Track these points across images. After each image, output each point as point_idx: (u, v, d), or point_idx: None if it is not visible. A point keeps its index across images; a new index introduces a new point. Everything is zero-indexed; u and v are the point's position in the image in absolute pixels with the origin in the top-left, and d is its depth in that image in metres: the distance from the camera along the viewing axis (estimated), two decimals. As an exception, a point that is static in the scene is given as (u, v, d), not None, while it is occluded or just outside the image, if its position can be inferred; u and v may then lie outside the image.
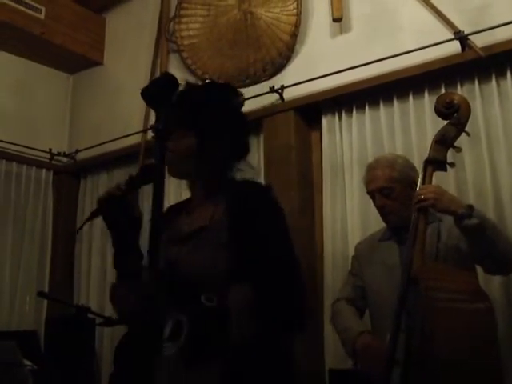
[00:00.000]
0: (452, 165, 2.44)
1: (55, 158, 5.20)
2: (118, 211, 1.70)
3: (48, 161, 5.17)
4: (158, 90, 1.24)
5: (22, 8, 4.74)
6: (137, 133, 4.61)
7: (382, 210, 2.65)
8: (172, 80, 1.27)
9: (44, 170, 5.16)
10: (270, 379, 1.66)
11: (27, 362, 3.48)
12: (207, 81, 1.94)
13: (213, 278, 1.63)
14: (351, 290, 2.82)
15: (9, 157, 4.88)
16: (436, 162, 2.40)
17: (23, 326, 4.72)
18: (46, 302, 4.92)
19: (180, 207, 1.94)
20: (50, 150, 5.15)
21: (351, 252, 3.11)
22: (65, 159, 5.26)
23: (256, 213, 1.72)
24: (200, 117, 1.77)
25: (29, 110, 5.16)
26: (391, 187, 2.62)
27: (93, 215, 1.70)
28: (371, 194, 2.69)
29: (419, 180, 2.43)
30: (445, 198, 2.33)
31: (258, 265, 1.62)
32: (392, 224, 2.66)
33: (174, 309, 1.65)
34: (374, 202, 2.69)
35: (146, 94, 1.24)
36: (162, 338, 1.60)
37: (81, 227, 1.97)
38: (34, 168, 5.07)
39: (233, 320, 1.56)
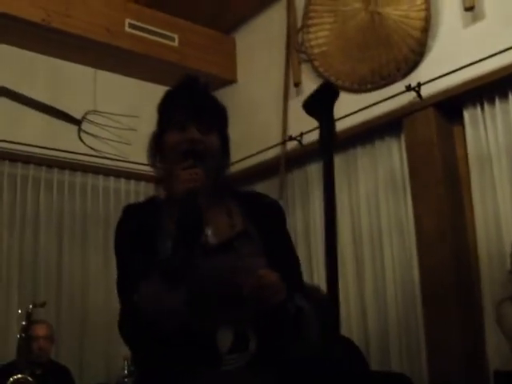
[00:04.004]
0: None
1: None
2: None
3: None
4: (319, 100, 1.23)
5: (157, 38, 5.00)
6: (276, 145, 4.70)
7: None
8: (333, 89, 1.26)
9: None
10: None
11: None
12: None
13: None
14: None
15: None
16: None
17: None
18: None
19: (149, 208, 1.75)
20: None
21: (507, 247, 3.00)
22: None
23: (282, 226, 1.76)
24: (221, 117, 1.75)
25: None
26: None
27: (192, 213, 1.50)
28: None
29: None
30: None
31: (296, 277, 1.68)
32: None
33: (231, 319, 1.54)
34: None
35: (307, 105, 1.24)
36: (221, 352, 1.52)
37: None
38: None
39: (310, 326, 1.56)
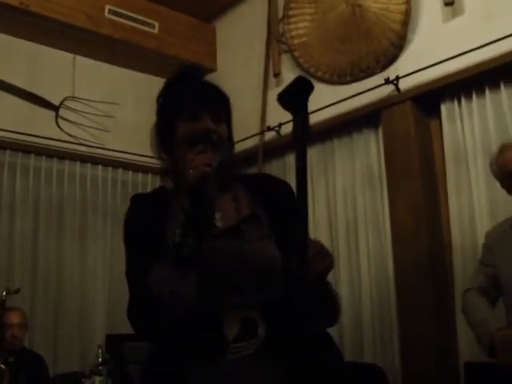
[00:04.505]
0: None
1: (178, 165, 5.38)
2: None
3: (172, 169, 5.36)
4: (294, 94, 1.23)
5: (137, 25, 4.97)
6: (254, 135, 4.69)
7: None
8: (307, 83, 1.26)
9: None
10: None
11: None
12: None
13: (276, 270, 1.52)
14: (483, 280, 2.74)
15: (134, 167, 5.14)
16: None
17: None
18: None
19: (157, 198, 1.76)
20: (172, 158, 5.34)
21: (480, 242, 3.03)
22: (187, 166, 5.43)
23: (291, 206, 1.65)
24: (228, 108, 1.76)
25: (150, 122, 5.30)
26: None
27: (202, 199, 1.51)
28: None
29: None
30: None
31: None
32: None
33: (239, 305, 1.51)
34: None
35: (282, 98, 1.24)
36: (228, 339, 1.49)
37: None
38: (158, 177, 5.27)
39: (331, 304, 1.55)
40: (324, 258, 1.45)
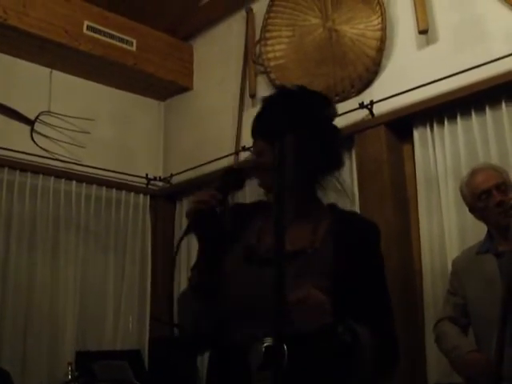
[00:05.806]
0: None
1: (151, 182, 5.40)
2: (210, 222, 1.57)
3: (145, 186, 5.39)
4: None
5: (115, 42, 4.99)
6: (229, 155, 4.73)
7: (502, 205, 2.57)
8: None
9: (141, 195, 5.38)
10: None
11: (135, 381, 3.63)
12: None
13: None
14: (452, 310, 2.79)
15: (108, 184, 5.13)
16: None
17: (127, 346, 4.89)
18: (148, 322, 5.09)
19: (251, 211, 1.82)
20: (147, 175, 5.37)
21: (450, 266, 3.08)
22: (160, 183, 5.46)
23: (367, 252, 1.67)
24: (296, 123, 1.64)
25: (125, 138, 5.40)
26: (508, 184, 2.63)
27: (186, 232, 1.56)
28: (486, 192, 2.62)
29: None
30: None
31: (371, 308, 1.57)
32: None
33: (260, 332, 1.41)
34: (488, 201, 2.62)
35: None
36: (252, 368, 1.43)
37: (177, 250, 1.76)
38: (132, 194, 5.30)
39: (361, 358, 1.47)
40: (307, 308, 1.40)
